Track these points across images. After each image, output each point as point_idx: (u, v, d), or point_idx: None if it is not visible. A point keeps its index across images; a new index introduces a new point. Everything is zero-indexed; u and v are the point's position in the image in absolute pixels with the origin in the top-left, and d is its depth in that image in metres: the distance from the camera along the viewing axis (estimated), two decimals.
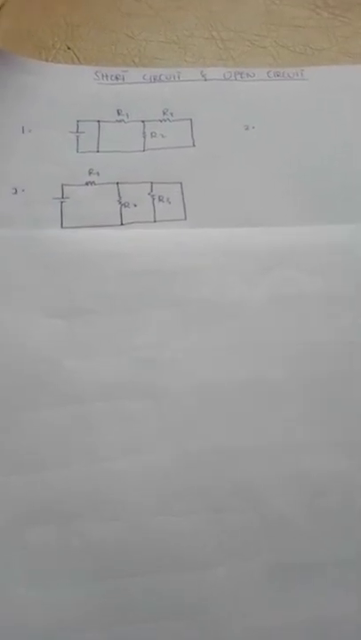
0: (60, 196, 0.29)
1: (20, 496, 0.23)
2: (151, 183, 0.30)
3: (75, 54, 0.34)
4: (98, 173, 0.30)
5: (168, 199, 0.29)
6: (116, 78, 0.32)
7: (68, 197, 0.29)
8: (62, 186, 0.29)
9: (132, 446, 0.24)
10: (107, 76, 0.32)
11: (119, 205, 0.29)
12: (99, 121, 0.31)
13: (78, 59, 0.34)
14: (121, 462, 0.24)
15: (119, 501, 0.23)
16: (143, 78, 0.32)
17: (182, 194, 0.29)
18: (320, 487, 0.24)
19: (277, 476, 0.24)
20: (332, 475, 0.24)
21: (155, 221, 0.29)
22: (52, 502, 0.23)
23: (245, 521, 0.23)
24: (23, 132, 0.30)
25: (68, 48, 0.34)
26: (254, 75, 0.33)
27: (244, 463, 0.24)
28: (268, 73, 0.33)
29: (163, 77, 0.32)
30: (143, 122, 0.31)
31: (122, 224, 0.29)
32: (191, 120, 0.31)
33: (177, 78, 0.32)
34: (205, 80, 0.33)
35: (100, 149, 0.30)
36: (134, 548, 0.23)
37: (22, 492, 0.23)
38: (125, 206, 0.29)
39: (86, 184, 0.29)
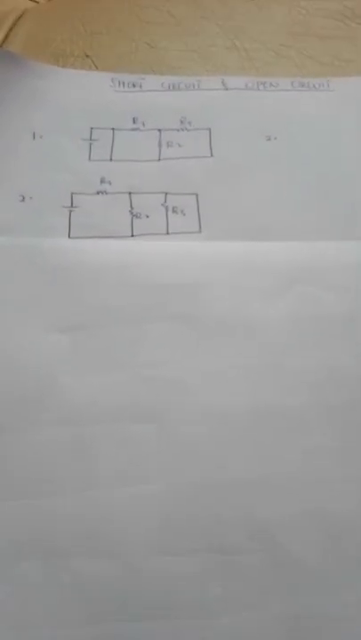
0: (68, 204, 0.28)
1: (8, 525, 0.21)
2: (165, 194, 0.28)
3: (93, 62, 0.33)
4: (110, 182, 0.28)
5: (183, 211, 0.28)
6: (133, 85, 0.31)
7: (77, 206, 0.28)
8: (72, 194, 0.28)
9: (130, 475, 0.22)
10: (123, 83, 0.31)
11: (130, 216, 0.28)
12: (113, 129, 0.30)
13: (96, 66, 0.33)
14: (118, 492, 0.22)
15: (114, 537, 0.21)
16: (161, 86, 0.31)
17: (198, 205, 0.28)
18: (341, 528, 0.22)
19: (293, 514, 0.22)
20: (352, 516, 0.22)
21: (167, 233, 0.27)
22: (41, 534, 0.21)
23: (255, 565, 0.21)
24: (34, 137, 0.29)
25: (87, 56, 0.33)
26: (278, 84, 0.31)
27: (255, 499, 0.22)
28: (292, 83, 0.32)
29: (182, 86, 0.31)
30: (160, 130, 0.30)
31: (132, 235, 0.27)
32: (210, 129, 0.30)
33: (196, 87, 0.31)
34: (226, 89, 0.31)
35: (113, 158, 0.29)
36: (129, 591, 0.21)
37: (10, 520, 0.22)
38: (137, 217, 0.27)
39: (97, 193, 0.28)
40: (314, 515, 0.22)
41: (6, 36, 0.34)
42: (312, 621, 0.20)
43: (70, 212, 0.27)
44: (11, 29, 0.34)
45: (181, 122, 0.30)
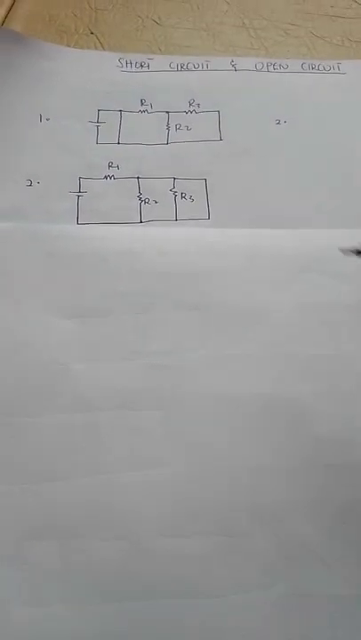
0: (76, 189, 0.27)
1: (21, 507, 0.22)
2: (174, 179, 0.28)
3: (98, 39, 0.32)
4: (118, 167, 0.28)
5: (191, 196, 0.27)
6: (141, 66, 0.31)
7: (85, 191, 0.27)
8: (79, 179, 0.28)
9: (139, 460, 0.23)
10: (131, 63, 0.31)
11: (139, 201, 0.27)
12: (121, 111, 0.29)
13: (102, 44, 0.32)
14: (127, 476, 0.22)
15: (124, 519, 0.22)
16: (169, 66, 0.31)
17: (206, 191, 0.28)
18: (344, 513, 0.22)
19: (298, 500, 0.22)
20: (357, 501, 0.22)
21: (176, 220, 0.27)
22: (53, 516, 0.22)
23: (261, 547, 0.22)
24: (41, 120, 0.29)
25: (92, 33, 0.32)
26: (288, 66, 0.31)
27: (263, 484, 0.22)
28: (302, 65, 0.31)
29: (190, 66, 0.31)
30: (168, 112, 0.29)
31: (141, 222, 0.27)
32: (219, 112, 0.30)
33: (205, 67, 0.31)
34: (235, 70, 0.31)
35: (120, 141, 0.29)
36: (139, 571, 0.21)
37: (23, 503, 0.22)
38: (145, 202, 0.27)
39: (105, 178, 0.28)
40: (318, 499, 0.22)
41: (7, 14, 0.33)
42: (315, 600, 0.21)
43: (78, 197, 0.27)
44: (12, 6, 0.33)
45: (190, 104, 0.30)
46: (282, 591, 0.21)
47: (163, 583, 0.21)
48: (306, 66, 0.31)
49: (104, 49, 0.32)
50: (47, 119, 0.29)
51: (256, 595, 0.21)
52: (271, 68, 0.31)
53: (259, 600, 0.21)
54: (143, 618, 0.21)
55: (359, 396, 0.24)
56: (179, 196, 0.27)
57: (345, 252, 0.23)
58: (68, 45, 0.32)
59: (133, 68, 0.31)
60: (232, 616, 0.21)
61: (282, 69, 0.31)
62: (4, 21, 0.32)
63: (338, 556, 0.22)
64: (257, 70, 0.31)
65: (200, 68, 0.31)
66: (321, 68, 0.31)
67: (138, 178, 0.28)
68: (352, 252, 0.22)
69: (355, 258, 0.26)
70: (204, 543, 0.22)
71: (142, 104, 0.30)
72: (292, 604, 0.21)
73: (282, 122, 0.29)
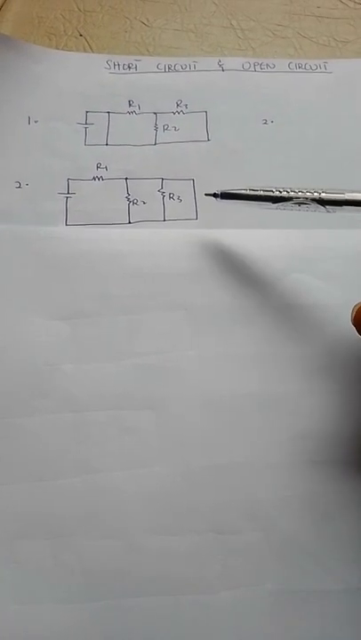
0: (65, 191, 0.28)
1: (12, 507, 0.22)
2: (162, 179, 0.28)
3: (86, 41, 0.32)
4: (106, 168, 0.28)
5: (179, 197, 0.28)
6: (129, 67, 0.31)
7: (73, 193, 0.27)
8: (68, 180, 0.28)
9: (130, 459, 0.23)
10: (118, 64, 0.31)
11: (127, 202, 0.27)
12: (109, 112, 0.30)
13: (90, 46, 0.32)
14: (118, 476, 0.23)
15: (115, 517, 0.22)
16: (157, 67, 0.31)
17: (194, 191, 0.28)
18: (331, 509, 0.22)
19: (287, 496, 0.22)
20: (344, 496, 0.22)
21: (164, 220, 0.27)
22: (44, 515, 0.22)
23: (252, 544, 0.22)
24: (29, 122, 0.29)
25: (80, 35, 0.33)
26: (275, 66, 0.31)
27: (252, 482, 0.23)
28: (289, 64, 0.31)
29: (177, 67, 0.31)
30: (155, 114, 0.30)
31: (129, 222, 0.27)
32: (206, 112, 0.30)
33: (193, 68, 0.31)
34: (223, 70, 0.31)
35: (109, 142, 0.29)
36: (130, 568, 0.21)
37: (13, 502, 0.22)
38: (134, 203, 0.27)
39: (93, 179, 0.28)
40: (307, 495, 0.22)
41: None
42: (305, 596, 0.21)
43: (67, 198, 0.27)
44: (0, 8, 0.33)
45: (177, 104, 0.30)
46: (272, 587, 0.21)
47: (154, 580, 0.21)
48: (293, 65, 0.31)
49: (92, 51, 0.32)
50: (35, 121, 0.29)
51: (246, 591, 0.21)
52: (258, 68, 0.31)
53: (249, 596, 0.21)
54: (134, 615, 0.21)
55: (345, 393, 0.24)
56: (167, 197, 0.28)
57: (207, 196, 0.25)
58: (57, 47, 0.32)
59: (121, 70, 0.31)
60: (223, 612, 0.21)
61: (269, 69, 0.31)
62: None
63: (326, 551, 0.22)
64: (244, 70, 0.31)
65: (188, 68, 0.31)
66: (308, 67, 0.31)
67: (126, 179, 0.28)
68: (211, 195, 0.25)
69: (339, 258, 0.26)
70: (194, 541, 0.22)
71: (130, 105, 0.30)
72: (282, 599, 0.21)
73: (269, 121, 0.29)
